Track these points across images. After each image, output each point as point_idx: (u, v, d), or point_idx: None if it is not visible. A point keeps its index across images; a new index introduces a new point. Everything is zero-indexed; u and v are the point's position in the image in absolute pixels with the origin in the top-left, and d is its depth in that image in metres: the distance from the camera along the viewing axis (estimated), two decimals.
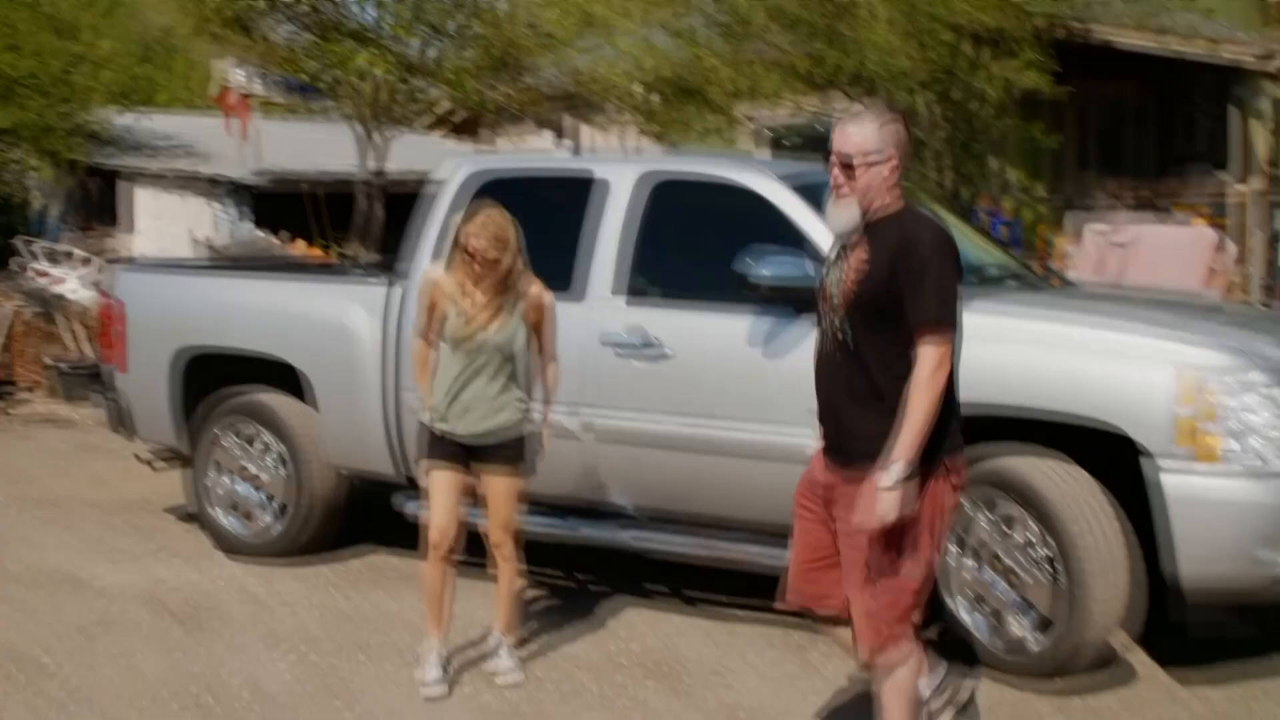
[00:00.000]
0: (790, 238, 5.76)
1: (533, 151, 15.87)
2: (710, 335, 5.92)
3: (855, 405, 3.93)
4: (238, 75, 16.21)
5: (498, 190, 6.61)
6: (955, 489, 3.99)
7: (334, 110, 15.52)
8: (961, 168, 12.42)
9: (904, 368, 3.83)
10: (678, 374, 5.93)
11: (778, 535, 5.85)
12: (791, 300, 5.55)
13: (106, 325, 7.65)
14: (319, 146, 18.92)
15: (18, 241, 15.00)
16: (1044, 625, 5.24)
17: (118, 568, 6.92)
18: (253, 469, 7.08)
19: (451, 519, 5.28)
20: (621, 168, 6.41)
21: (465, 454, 5.28)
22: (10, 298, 13.33)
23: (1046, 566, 5.21)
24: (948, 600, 5.43)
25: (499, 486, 5.34)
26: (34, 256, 14.49)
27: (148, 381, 7.32)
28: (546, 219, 6.53)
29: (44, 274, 13.80)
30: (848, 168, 3.91)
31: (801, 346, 5.60)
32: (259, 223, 16.89)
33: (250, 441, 7.07)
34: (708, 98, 13.00)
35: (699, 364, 5.91)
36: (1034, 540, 5.24)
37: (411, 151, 16.38)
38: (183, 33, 17.73)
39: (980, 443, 5.41)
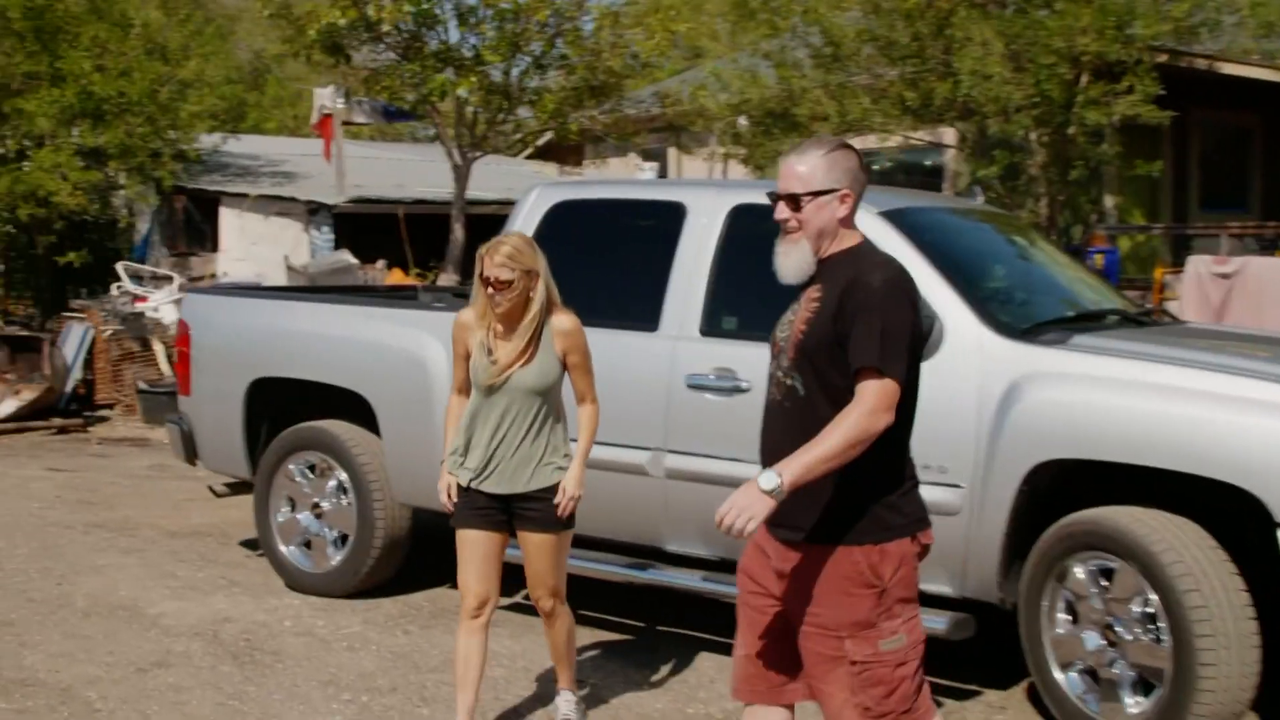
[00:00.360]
0: None
1: (616, 176, 15.66)
2: None
3: None
4: (337, 101, 16.15)
5: (574, 216, 6.40)
6: (921, 553, 3.62)
7: (425, 135, 15.46)
8: (1059, 196, 12.03)
9: None
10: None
11: None
12: None
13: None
14: (409, 170, 18.88)
15: (118, 266, 15.12)
16: (1147, 689, 4.86)
17: (181, 600, 6.75)
18: (317, 501, 6.87)
19: (488, 585, 4.78)
20: (712, 196, 6.09)
21: (501, 508, 4.76)
22: (98, 319, 13.38)
23: (1150, 625, 4.82)
24: (1045, 658, 5.08)
25: (539, 546, 4.77)
26: (127, 278, 14.57)
27: (212, 407, 7.16)
28: (628, 248, 6.28)
29: (137, 297, 13.86)
30: (795, 207, 3.54)
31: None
32: (349, 247, 16.85)
33: (316, 472, 6.87)
34: (807, 127, 12.72)
35: None
36: (1135, 595, 4.86)
37: (495, 175, 16.27)
38: (275, 54, 17.74)
39: (1077, 498, 5.11)
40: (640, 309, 5.89)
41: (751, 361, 5.64)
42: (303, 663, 5.84)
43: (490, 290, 4.60)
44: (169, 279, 14.59)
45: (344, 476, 6.72)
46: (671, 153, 18.41)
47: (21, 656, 5.86)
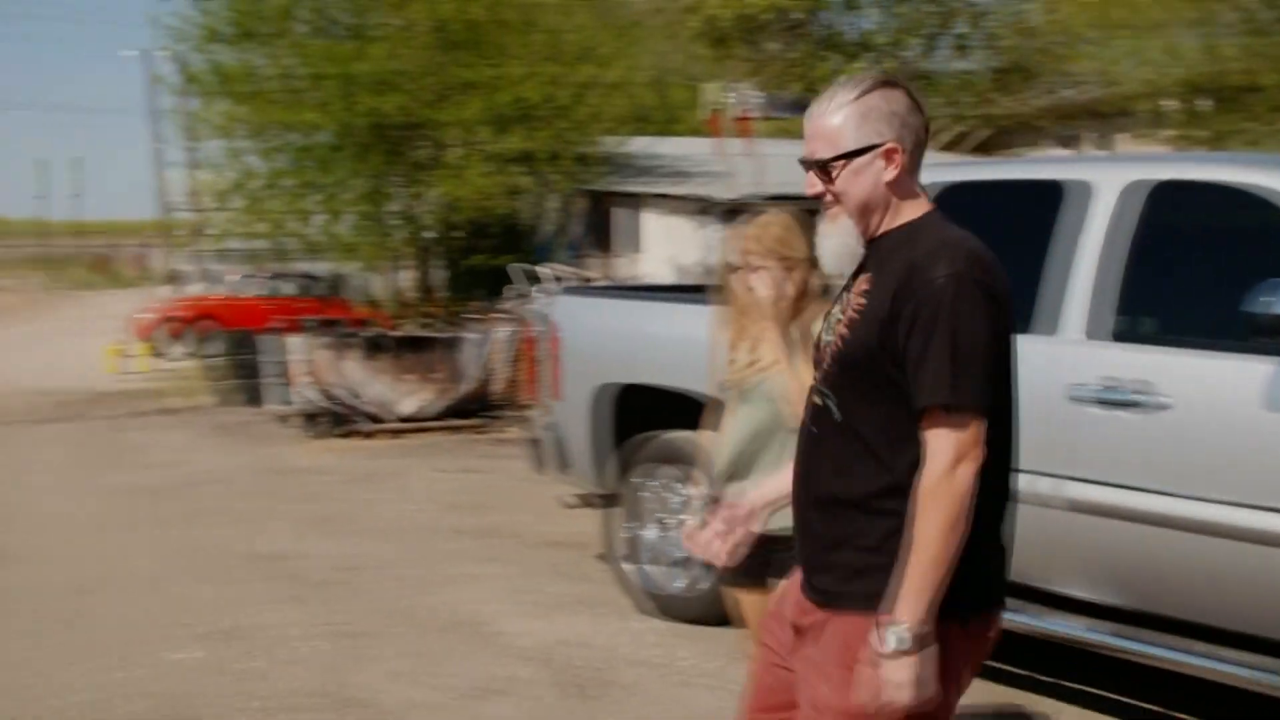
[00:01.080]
0: None
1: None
2: (1216, 390, 4.48)
3: (832, 508, 2.55)
4: (729, 98, 15.77)
5: (940, 198, 5.51)
6: (976, 649, 2.56)
7: None
8: None
9: (909, 462, 2.45)
10: (1170, 437, 4.52)
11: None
12: None
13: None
14: None
15: (515, 267, 15.34)
16: None
17: (525, 619, 6.33)
18: (678, 519, 6.27)
19: None
20: (1103, 171, 5.03)
21: (763, 551, 3.75)
22: (498, 321, 13.49)
23: None
24: None
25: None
26: (529, 280, 14.71)
27: (569, 415, 6.71)
28: (1006, 235, 5.31)
29: (530, 298, 13.93)
30: (824, 173, 2.55)
31: None
32: None
33: (676, 487, 6.27)
34: (1276, 94, 11.14)
35: (1198, 426, 4.49)
36: None
37: None
38: (701, 55, 17.56)
39: None
40: (1028, 308, 4.92)
41: (1162, 374, 4.58)
42: (639, 696, 5.26)
43: (748, 276, 3.84)
44: (578, 280, 14.60)
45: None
46: (1101, 140, 16.84)
47: (354, 673, 5.58)
